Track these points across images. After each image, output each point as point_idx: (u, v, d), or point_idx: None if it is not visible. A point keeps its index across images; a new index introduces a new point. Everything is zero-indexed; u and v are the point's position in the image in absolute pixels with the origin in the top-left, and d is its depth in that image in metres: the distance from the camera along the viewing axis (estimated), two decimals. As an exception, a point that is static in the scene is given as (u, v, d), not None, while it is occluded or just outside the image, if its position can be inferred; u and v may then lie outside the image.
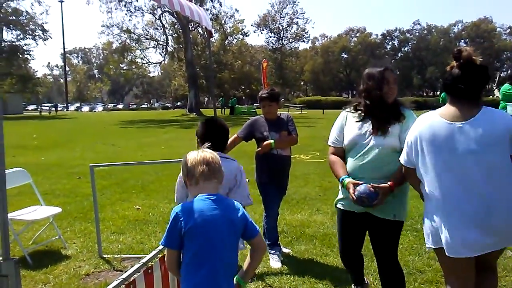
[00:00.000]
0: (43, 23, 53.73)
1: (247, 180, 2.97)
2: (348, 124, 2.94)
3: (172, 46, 48.32)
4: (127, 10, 44.18)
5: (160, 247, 2.60)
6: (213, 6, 45.54)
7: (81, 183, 8.31)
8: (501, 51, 71.07)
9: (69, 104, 79.73)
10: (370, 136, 2.79)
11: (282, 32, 69.19)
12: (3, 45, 50.34)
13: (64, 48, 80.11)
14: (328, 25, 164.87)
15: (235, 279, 2.03)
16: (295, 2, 67.50)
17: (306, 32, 69.35)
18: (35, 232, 5.08)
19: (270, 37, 70.17)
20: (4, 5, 48.41)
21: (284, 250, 4.45)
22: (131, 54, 48.62)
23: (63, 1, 78.97)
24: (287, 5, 67.71)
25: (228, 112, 39.40)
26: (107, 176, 8.77)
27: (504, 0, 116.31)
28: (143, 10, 44.72)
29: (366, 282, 3.31)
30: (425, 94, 74.93)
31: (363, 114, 2.87)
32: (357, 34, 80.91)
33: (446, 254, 2.28)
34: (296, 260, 4.24)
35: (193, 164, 2.07)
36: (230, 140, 3.42)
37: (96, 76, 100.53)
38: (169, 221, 1.97)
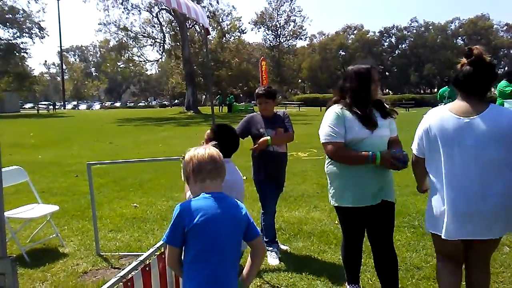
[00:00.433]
0: (40, 21, 53.89)
1: (244, 177, 2.96)
2: (347, 121, 2.94)
3: (169, 44, 48.18)
4: (124, 8, 44.06)
5: (158, 244, 2.60)
6: (210, 4, 45.43)
7: (78, 181, 8.30)
8: (498, 48, 71.10)
9: (66, 102, 79.48)
10: (368, 130, 2.91)
11: (279, 30, 69.06)
12: (-1, 43, 50.19)
13: (61, 46, 79.74)
14: (325, 23, 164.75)
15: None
16: (292, -1, 67.47)
17: (303, 30, 69.34)
18: (33, 230, 5.08)
19: (268, 34, 70.04)
20: (0, 3, 48.19)
21: (282, 247, 4.46)
22: (128, 52, 48.48)
23: (59, -1, 78.57)
24: (284, 2, 67.55)
25: (226, 110, 39.37)
26: (104, 174, 8.76)
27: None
28: (140, 8, 44.63)
29: (359, 284, 3.36)
30: (422, 91, 74.94)
31: (356, 110, 2.94)
32: (355, 32, 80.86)
33: (442, 237, 2.47)
34: (294, 257, 4.25)
35: (200, 161, 2.02)
36: None
37: (93, 74, 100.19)
38: (172, 218, 1.95)
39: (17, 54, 52.54)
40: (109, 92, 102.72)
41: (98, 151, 13.06)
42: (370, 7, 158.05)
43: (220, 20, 48.67)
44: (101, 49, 76.63)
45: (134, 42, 47.66)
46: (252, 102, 44.69)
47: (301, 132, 15.62)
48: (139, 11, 45.17)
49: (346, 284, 3.36)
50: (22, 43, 52.71)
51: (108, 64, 54.44)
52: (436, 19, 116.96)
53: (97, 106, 76.40)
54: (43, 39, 61.95)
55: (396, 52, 78.78)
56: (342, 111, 2.97)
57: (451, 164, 2.42)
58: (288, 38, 70.36)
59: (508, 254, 4.09)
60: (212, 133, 2.85)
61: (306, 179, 7.98)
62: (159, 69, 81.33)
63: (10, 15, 49.64)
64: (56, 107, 59.93)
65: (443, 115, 2.49)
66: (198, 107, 40.41)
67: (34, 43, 60.45)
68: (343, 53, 78.39)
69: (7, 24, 49.94)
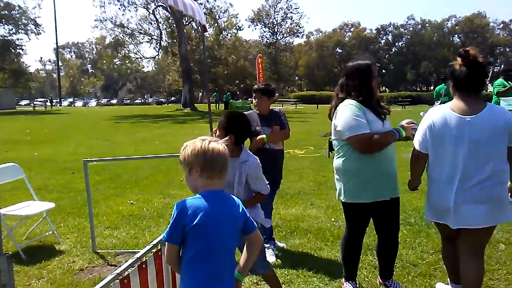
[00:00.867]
0: (36, 18, 53.46)
1: None
2: (366, 113, 2.96)
3: (166, 40, 48.03)
4: (120, 5, 43.92)
5: (154, 241, 2.59)
6: (207, 1, 45.35)
7: (75, 178, 8.28)
8: (494, 46, 71.26)
9: (62, 99, 79.18)
10: (381, 123, 3.02)
11: (276, 27, 68.99)
12: (-5, 39, 49.95)
13: (56, 43, 79.62)
14: (322, 20, 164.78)
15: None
16: (289, -4, 67.37)
17: (300, 27, 69.28)
18: (29, 227, 5.06)
19: (265, 31, 70.00)
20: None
21: (279, 244, 4.46)
22: (125, 48, 48.33)
23: (55, -5, 78.23)
24: (281, -1, 67.55)
25: (223, 107, 39.32)
26: (100, 171, 8.74)
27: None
28: (136, 4, 44.46)
29: (356, 281, 3.38)
30: (418, 89, 75.12)
31: (367, 104, 2.99)
32: (352, 29, 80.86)
33: (451, 227, 2.75)
34: (290, 254, 4.25)
35: (215, 158, 1.93)
36: None
37: (90, 71, 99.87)
38: (171, 216, 1.92)
39: (12, 50, 52.38)
40: (105, 89, 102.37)
41: (95, 148, 13.03)
42: (367, 4, 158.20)
43: (217, 17, 48.58)
44: (97, 46, 76.40)
45: (130, 39, 47.52)
46: (249, 99, 44.66)
47: (298, 130, 15.64)
48: (136, 7, 45.07)
49: (343, 280, 3.37)
50: (17, 39, 52.67)
51: (104, 61, 54.28)
52: (432, 17, 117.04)
53: (93, 103, 76.10)
54: (39, 36, 61.70)
55: (393, 50, 78.82)
56: (359, 104, 2.97)
57: (455, 159, 2.66)
58: (285, 36, 70.31)
59: (504, 252, 4.11)
60: (226, 122, 2.90)
61: (303, 177, 7.99)
62: (156, 66, 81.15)
63: (6, 12, 49.39)
64: (53, 103, 59.77)
65: (446, 113, 2.69)
66: (195, 104, 40.31)
67: (30, 39, 60.01)
68: (340, 50, 78.40)
69: (3, 20, 49.74)
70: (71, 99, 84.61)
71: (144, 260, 2.44)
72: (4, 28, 50.94)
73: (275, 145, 4.22)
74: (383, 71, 74.80)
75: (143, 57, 52.04)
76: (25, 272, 3.97)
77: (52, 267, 4.08)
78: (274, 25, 68.80)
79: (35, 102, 57.70)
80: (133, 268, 2.33)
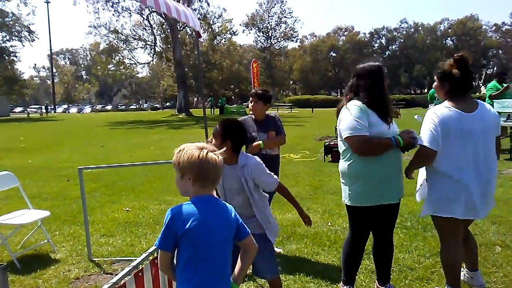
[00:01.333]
0: (29, 24, 53.20)
1: None
2: (370, 116, 2.96)
3: (160, 46, 48.09)
4: (114, 11, 43.86)
5: (151, 249, 2.58)
6: (201, 6, 45.48)
7: (70, 185, 8.23)
8: (487, 48, 71.74)
9: (56, 106, 78.92)
10: (387, 126, 3.01)
11: (270, 32, 69.25)
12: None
13: (50, 49, 79.36)
14: (316, 24, 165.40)
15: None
16: (283, 1, 67.65)
17: (294, 31, 69.56)
18: (23, 236, 5.02)
19: (259, 36, 70.24)
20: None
21: (275, 249, 4.44)
22: (119, 54, 48.30)
23: (49, 2, 78.06)
24: (275, 4, 67.82)
25: (218, 112, 39.31)
26: (96, 178, 8.69)
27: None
28: (130, 10, 44.44)
29: (353, 286, 3.37)
30: (412, 92, 75.40)
31: (374, 106, 2.99)
32: (345, 33, 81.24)
33: (460, 218, 2.91)
34: (287, 259, 4.24)
35: (210, 169, 1.92)
36: None
37: (84, 77, 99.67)
38: (164, 222, 1.92)
39: (6, 57, 52.14)
40: (100, 95, 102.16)
41: (90, 155, 12.97)
42: (360, 8, 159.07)
43: (211, 22, 48.69)
44: (91, 52, 76.17)
45: (124, 45, 47.54)
46: (244, 104, 44.71)
47: (293, 134, 15.65)
48: (130, 13, 45.03)
49: (341, 285, 3.36)
50: (11, 46, 52.46)
51: (98, 67, 54.15)
52: (425, 20, 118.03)
53: (88, 109, 75.81)
54: (33, 42, 61.49)
55: (386, 53, 79.09)
56: (364, 105, 2.97)
57: (465, 153, 2.85)
58: (279, 40, 70.58)
59: (500, 254, 4.12)
60: (222, 129, 2.84)
61: (299, 181, 7.99)
62: (150, 72, 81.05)
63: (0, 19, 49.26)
64: (48, 110, 59.56)
65: (451, 111, 2.88)
66: (190, 110, 40.30)
67: (23, 46, 60.06)
68: (334, 54, 78.74)
69: (-4, 27, 49.55)
70: (65, 106, 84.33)
71: (140, 268, 2.43)
72: (-3, 35, 50.83)
73: (271, 150, 4.24)
74: (377, 74, 74.94)
75: (138, 62, 52.15)
76: (21, 281, 3.93)
77: (48, 276, 4.04)
78: (268, 30, 69.07)
79: (29, 109, 57.46)
80: (129, 276, 2.32)
